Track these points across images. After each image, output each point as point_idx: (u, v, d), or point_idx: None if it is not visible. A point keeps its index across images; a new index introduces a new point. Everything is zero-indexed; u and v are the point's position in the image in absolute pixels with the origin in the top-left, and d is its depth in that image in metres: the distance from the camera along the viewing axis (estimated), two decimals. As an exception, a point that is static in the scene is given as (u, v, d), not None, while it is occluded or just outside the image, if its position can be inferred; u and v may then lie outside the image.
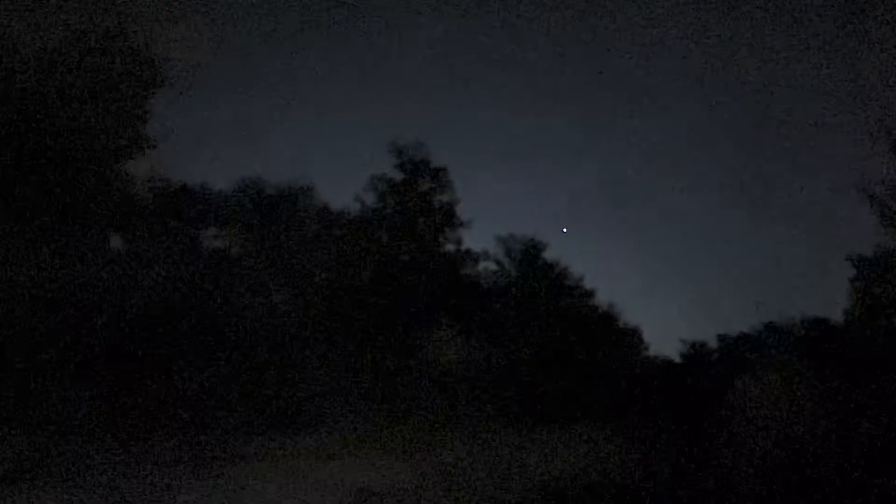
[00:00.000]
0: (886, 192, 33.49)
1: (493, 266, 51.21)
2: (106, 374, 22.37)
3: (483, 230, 58.81)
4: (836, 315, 54.41)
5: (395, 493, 22.35)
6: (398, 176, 43.38)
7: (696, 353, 74.36)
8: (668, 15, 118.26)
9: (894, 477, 24.66)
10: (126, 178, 27.73)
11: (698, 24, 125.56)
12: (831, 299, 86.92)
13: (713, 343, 73.04)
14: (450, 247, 45.13)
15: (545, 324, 48.94)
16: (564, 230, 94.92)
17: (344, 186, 73.66)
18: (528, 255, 52.92)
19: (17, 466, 17.45)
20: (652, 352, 73.62)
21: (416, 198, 43.39)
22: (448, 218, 44.33)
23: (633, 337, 68.83)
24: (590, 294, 59.81)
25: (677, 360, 75.18)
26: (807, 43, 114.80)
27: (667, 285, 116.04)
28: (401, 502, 21.35)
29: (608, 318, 62.70)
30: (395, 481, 24.30)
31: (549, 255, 54.22)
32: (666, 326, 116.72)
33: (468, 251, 46.75)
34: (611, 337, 60.67)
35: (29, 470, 17.39)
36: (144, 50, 25.98)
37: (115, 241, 28.90)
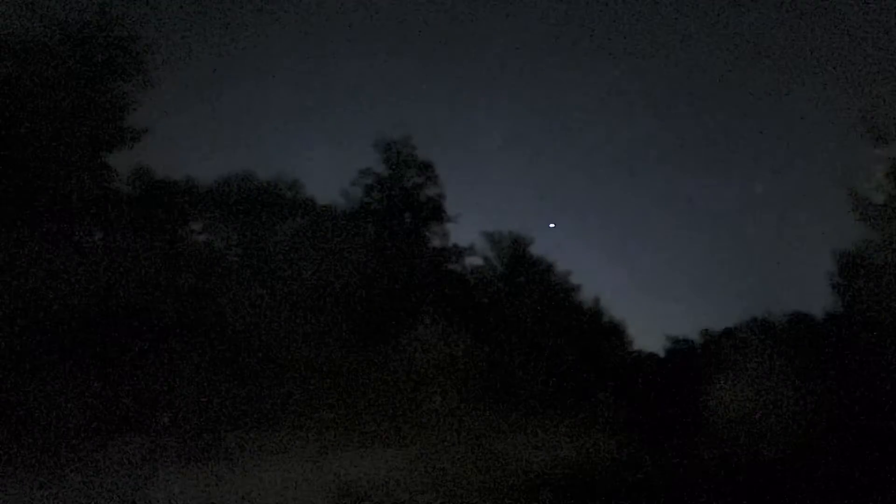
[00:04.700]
0: (868, 187, 33.85)
1: (479, 261, 51.19)
2: (89, 370, 22.10)
3: (469, 225, 59.07)
4: (819, 311, 55.15)
5: (381, 488, 22.32)
6: (384, 170, 43.17)
7: (679, 349, 74.98)
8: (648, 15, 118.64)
9: (877, 472, 24.97)
10: (109, 171, 27.36)
11: (676, 24, 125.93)
12: (814, 295, 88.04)
13: (697, 338, 73.72)
14: (436, 242, 45.04)
15: (531, 318, 48.96)
16: (552, 226, 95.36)
17: (330, 181, 73.27)
18: (515, 249, 52.91)
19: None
20: (636, 347, 74.31)
21: (403, 192, 43.21)
22: (435, 213, 44.19)
23: (617, 332, 69.19)
24: (575, 289, 60.08)
25: (661, 354, 75.88)
26: (786, 37, 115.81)
27: (652, 281, 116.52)
28: (387, 497, 21.32)
29: (593, 312, 62.97)
30: (381, 476, 24.27)
31: (535, 250, 54.35)
32: (651, 322, 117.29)
33: (455, 246, 46.70)
34: (596, 331, 60.93)
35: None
36: (129, 41, 25.59)
37: (98, 235, 28.53)
